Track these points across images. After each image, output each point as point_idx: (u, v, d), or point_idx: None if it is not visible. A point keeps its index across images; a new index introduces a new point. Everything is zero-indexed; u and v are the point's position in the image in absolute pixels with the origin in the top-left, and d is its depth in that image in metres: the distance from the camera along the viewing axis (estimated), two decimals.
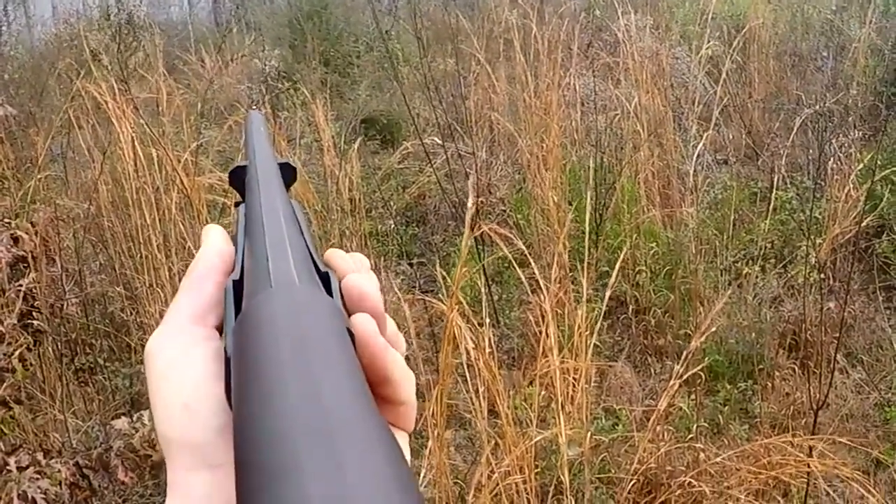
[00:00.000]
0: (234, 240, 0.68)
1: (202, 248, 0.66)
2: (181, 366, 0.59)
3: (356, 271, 0.61)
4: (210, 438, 0.55)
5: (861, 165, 5.88)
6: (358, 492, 0.38)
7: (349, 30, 10.31)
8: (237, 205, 0.73)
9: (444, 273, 4.38)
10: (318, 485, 0.38)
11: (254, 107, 6.64)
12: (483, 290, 4.34)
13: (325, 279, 0.60)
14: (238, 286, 0.60)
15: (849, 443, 4.33)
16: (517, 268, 4.67)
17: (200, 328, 0.61)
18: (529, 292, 4.70)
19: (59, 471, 3.51)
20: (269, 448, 0.41)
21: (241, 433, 0.45)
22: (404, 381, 0.57)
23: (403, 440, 0.59)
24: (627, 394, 4.89)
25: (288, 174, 0.76)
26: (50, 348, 4.77)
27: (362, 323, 0.54)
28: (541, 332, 3.88)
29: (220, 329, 0.62)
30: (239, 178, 0.75)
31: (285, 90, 7.65)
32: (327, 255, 0.64)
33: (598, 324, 4.25)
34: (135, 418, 4.12)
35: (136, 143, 5.16)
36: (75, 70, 6.77)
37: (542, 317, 3.87)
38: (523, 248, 4.48)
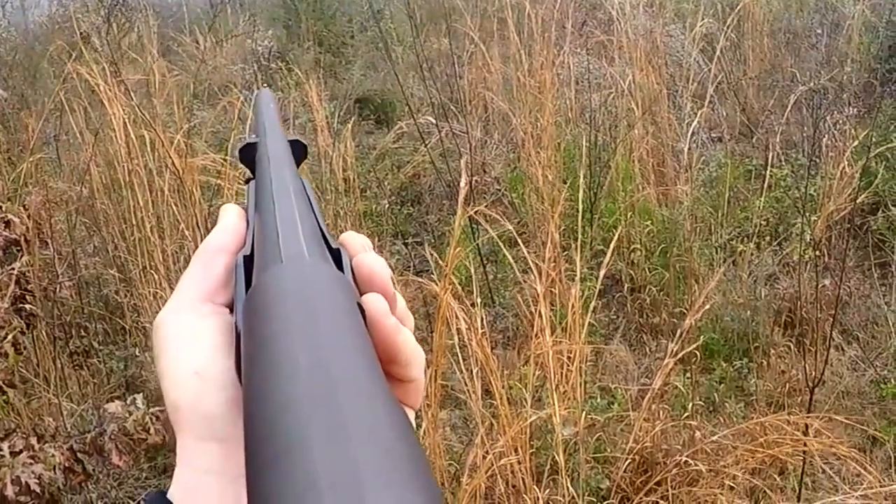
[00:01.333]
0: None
1: (216, 226, 0.67)
2: (192, 336, 0.59)
3: (368, 252, 0.61)
4: (220, 410, 0.56)
5: (856, 142, 5.87)
6: (366, 465, 0.37)
7: (343, 10, 10.29)
8: (248, 181, 0.74)
9: (437, 254, 4.37)
10: (326, 457, 0.38)
11: (247, 87, 6.62)
12: (474, 270, 4.33)
13: (336, 256, 0.60)
14: (249, 262, 0.61)
15: (845, 420, 4.33)
16: (509, 248, 4.67)
17: (210, 305, 0.62)
18: (522, 272, 4.69)
19: (54, 455, 3.51)
20: (278, 421, 0.41)
21: (250, 406, 0.45)
22: (414, 360, 0.58)
23: (410, 416, 0.59)
24: (623, 372, 4.89)
25: (298, 151, 0.76)
26: (44, 332, 4.77)
27: (373, 302, 0.54)
28: (532, 313, 3.88)
29: (229, 306, 0.62)
30: (249, 155, 0.76)
31: (277, 71, 7.63)
32: (341, 237, 0.63)
33: (593, 303, 4.25)
34: (129, 401, 4.11)
35: (128, 126, 5.14)
36: (67, 52, 6.75)
37: (535, 297, 3.86)
38: (511, 228, 4.48)
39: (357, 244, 0.62)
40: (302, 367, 0.43)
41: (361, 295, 0.55)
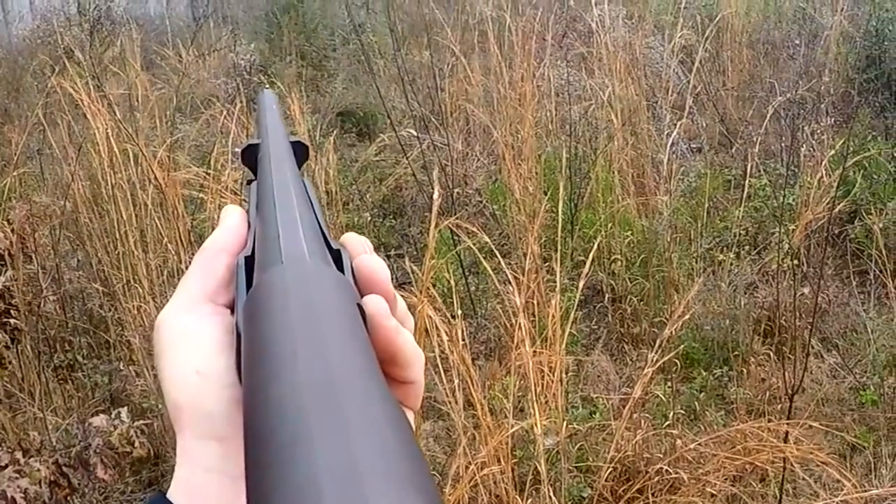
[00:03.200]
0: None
1: (217, 228, 0.67)
2: (193, 335, 0.60)
3: (369, 253, 0.62)
4: (221, 409, 0.56)
5: (833, 152, 5.91)
6: (365, 462, 0.38)
7: (325, 23, 10.31)
8: (249, 183, 0.74)
9: (415, 267, 4.39)
10: (326, 454, 0.38)
11: (230, 101, 6.63)
12: (454, 281, 4.34)
13: (336, 257, 0.60)
14: (250, 262, 0.61)
15: (824, 427, 4.36)
16: (488, 259, 4.68)
17: (211, 305, 0.62)
18: (502, 283, 4.71)
19: (39, 469, 3.52)
20: (278, 420, 0.41)
21: (250, 405, 0.46)
22: (414, 361, 0.58)
23: (410, 417, 0.59)
24: (604, 382, 4.91)
25: (300, 153, 0.77)
26: (28, 346, 4.76)
27: (374, 303, 0.54)
28: (513, 324, 3.90)
29: (230, 307, 0.63)
30: (251, 156, 0.76)
31: (259, 84, 7.64)
32: (342, 238, 0.64)
33: (573, 313, 4.27)
34: (113, 415, 4.12)
35: (111, 139, 5.15)
36: (51, 66, 6.76)
37: (516, 308, 3.88)
38: (488, 240, 4.49)
39: (358, 245, 0.63)
40: (302, 367, 0.44)
41: (362, 296, 0.55)
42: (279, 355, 0.46)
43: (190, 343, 0.60)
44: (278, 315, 0.49)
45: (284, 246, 0.56)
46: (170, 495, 0.56)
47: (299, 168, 0.75)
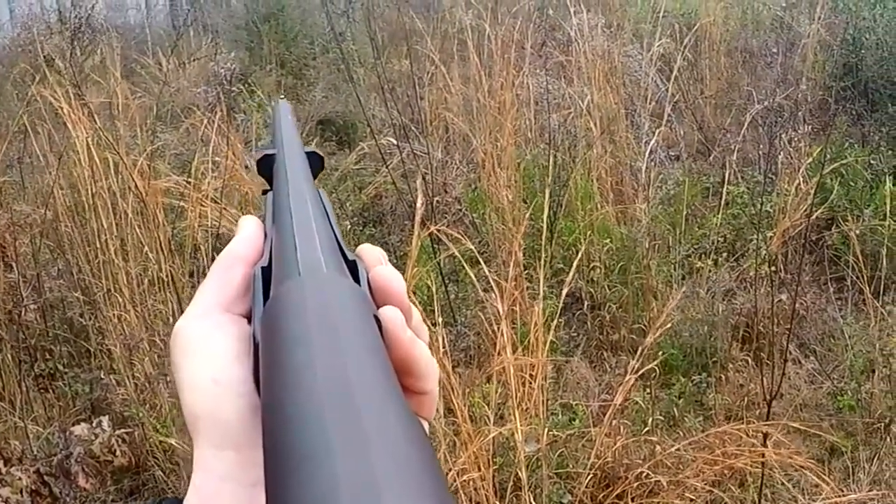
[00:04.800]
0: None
1: (235, 237, 0.68)
2: (210, 344, 0.60)
3: (384, 264, 0.62)
4: (237, 417, 0.56)
5: (810, 159, 5.95)
6: (384, 474, 0.38)
7: (305, 32, 10.30)
8: (265, 193, 0.75)
9: None
10: (345, 467, 0.38)
11: (210, 110, 6.63)
12: (435, 289, 4.35)
13: (352, 267, 0.60)
14: (266, 273, 0.61)
15: (803, 428, 4.39)
16: (471, 266, 4.69)
17: (227, 314, 0.62)
18: (484, 291, 4.73)
19: (20, 478, 3.53)
20: (297, 431, 0.42)
21: (270, 417, 0.46)
22: (429, 372, 0.59)
23: (425, 427, 0.58)
24: (584, 389, 4.92)
25: (315, 163, 0.77)
26: (9, 355, 4.77)
27: (390, 315, 0.54)
28: (495, 331, 3.91)
29: (247, 316, 0.62)
30: (267, 166, 0.77)
31: (240, 93, 7.64)
32: (358, 249, 0.64)
33: (555, 321, 4.29)
34: (94, 424, 4.13)
35: (91, 148, 5.15)
36: (31, 75, 6.75)
37: (497, 316, 3.90)
38: (472, 247, 4.51)
39: (373, 256, 0.63)
40: (320, 378, 0.44)
41: (378, 307, 0.55)
42: (297, 367, 0.46)
43: (207, 352, 0.60)
44: (296, 327, 0.50)
45: (301, 257, 0.57)
46: (186, 502, 0.56)
47: (314, 178, 0.75)
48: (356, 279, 0.59)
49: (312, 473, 0.39)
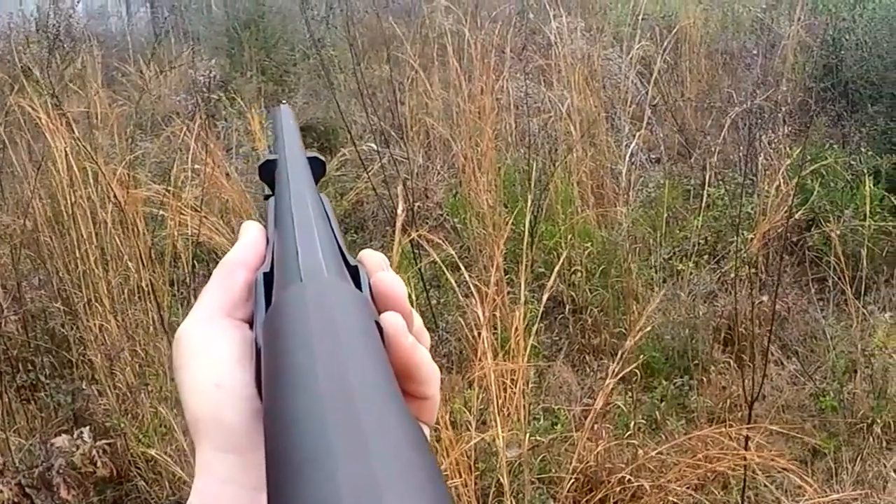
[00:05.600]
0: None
1: (237, 242, 0.68)
2: (213, 348, 0.61)
3: (386, 270, 0.62)
4: (239, 421, 0.57)
5: (790, 160, 5.96)
6: (385, 478, 0.39)
7: (285, 38, 10.29)
8: (267, 198, 0.75)
9: None
10: (346, 470, 0.39)
11: (190, 118, 6.62)
12: (416, 295, 4.35)
13: (354, 273, 0.61)
14: (268, 279, 0.62)
15: (785, 432, 4.40)
16: (452, 272, 4.69)
17: (230, 319, 0.63)
18: (465, 296, 4.72)
19: (2, 490, 3.52)
20: (299, 435, 0.42)
21: (271, 421, 0.47)
22: (430, 378, 0.59)
23: (426, 433, 0.60)
24: (566, 393, 4.92)
25: (317, 168, 0.77)
26: None
27: (391, 320, 0.55)
28: (476, 337, 3.91)
29: (249, 322, 0.63)
30: (269, 172, 0.77)
31: (220, 100, 7.63)
32: (359, 255, 0.64)
33: (536, 325, 4.29)
34: (75, 435, 4.12)
35: (70, 158, 5.13)
36: (9, 85, 6.73)
37: (478, 321, 3.90)
38: (453, 252, 4.51)
39: (375, 262, 0.63)
40: (321, 382, 0.45)
41: (379, 313, 0.56)
42: (299, 372, 0.47)
43: (209, 356, 0.60)
44: (298, 332, 0.50)
45: (303, 263, 0.57)
46: None
47: (316, 183, 0.75)
48: (358, 285, 0.59)
49: (314, 477, 0.39)
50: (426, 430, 0.61)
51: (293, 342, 0.49)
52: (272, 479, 0.43)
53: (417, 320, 0.62)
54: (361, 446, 0.40)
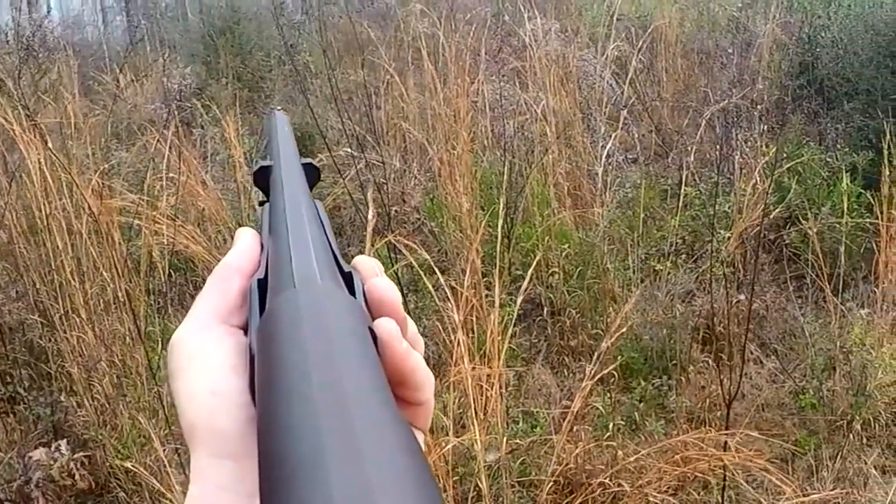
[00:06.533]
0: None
1: (231, 249, 0.68)
2: (208, 355, 0.60)
3: (380, 276, 0.62)
4: (235, 428, 0.56)
5: (766, 158, 5.97)
6: (378, 484, 0.39)
7: (261, 44, 10.28)
8: (261, 204, 0.75)
9: None
10: (339, 476, 0.39)
11: (165, 126, 6.60)
12: None
13: (348, 279, 0.61)
14: (263, 285, 0.62)
15: (762, 435, 4.40)
16: (428, 276, 4.68)
17: (225, 326, 0.63)
18: (442, 300, 4.71)
19: None
20: (292, 442, 0.42)
21: (265, 427, 0.46)
22: (425, 383, 0.59)
23: (420, 438, 0.60)
24: (545, 395, 4.92)
25: (312, 174, 0.78)
26: None
27: (385, 326, 0.55)
28: (453, 341, 3.90)
29: (244, 328, 0.63)
30: (264, 178, 0.77)
31: (194, 108, 7.61)
32: (353, 261, 0.64)
33: (512, 328, 4.28)
34: (53, 448, 4.10)
35: (44, 169, 5.11)
36: None
37: (454, 325, 3.89)
38: (427, 257, 4.50)
39: (369, 268, 0.63)
40: (315, 389, 0.45)
41: (373, 319, 0.56)
42: (292, 378, 0.46)
43: (204, 363, 0.60)
44: (291, 338, 0.50)
45: (296, 269, 0.57)
46: None
47: (311, 189, 0.76)
48: (352, 291, 0.59)
49: (307, 483, 0.39)
50: (420, 436, 0.61)
51: (287, 348, 0.49)
52: (265, 484, 0.43)
53: (412, 326, 0.62)
54: (355, 452, 0.40)
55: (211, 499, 0.56)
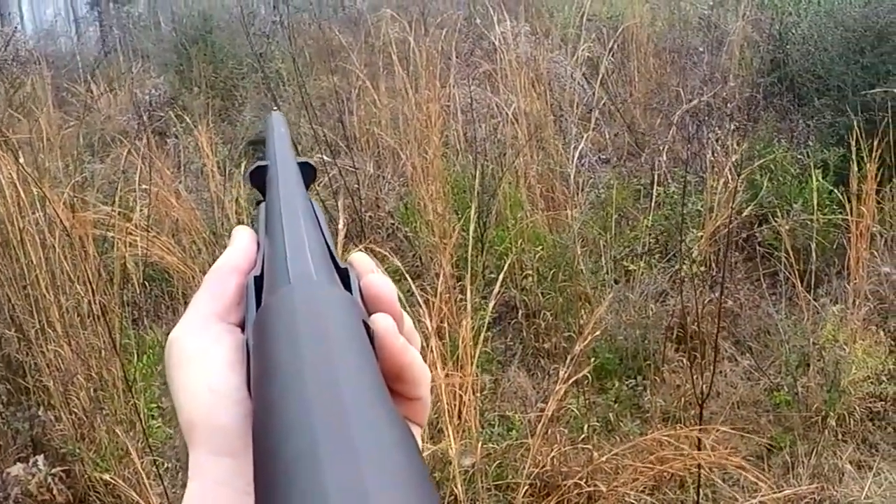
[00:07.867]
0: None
1: (228, 247, 0.68)
2: (205, 353, 0.61)
3: (375, 272, 0.63)
4: (233, 424, 0.57)
5: (736, 156, 5.99)
6: (373, 480, 0.39)
7: (233, 52, 10.26)
8: (258, 203, 0.75)
9: None
10: (334, 472, 0.39)
11: (138, 137, 6.59)
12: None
13: (344, 276, 0.61)
14: (259, 282, 0.63)
15: (736, 432, 4.42)
16: (401, 283, 4.68)
17: (222, 324, 0.63)
18: (412, 306, 4.72)
19: None
20: (287, 437, 0.42)
21: (260, 422, 0.47)
22: (421, 379, 0.59)
23: (416, 434, 0.59)
24: (521, 398, 4.92)
25: (308, 173, 0.78)
26: None
27: (381, 322, 0.55)
28: (425, 347, 3.91)
29: (241, 325, 0.63)
30: (260, 177, 0.77)
31: (167, 118, 7.60)
32: (349, 258, 0.65)
33: (486, 332, 4.29)
34: (30, 463, 4.10)
35: (17, 184, 5.10)
36: None
37: (427, 332, 3.90)
38: (399, 264, 4.51)
39: (365, 265, 0.64)
40: (310, 384, 0.45)
41: (369, 315, 0.56)
42: (288, 374, 0.47)
43: (202, 361, 0.60)
44: (287, 334, 0.51)
45: (292, 266, 0.58)
46: None
47: (307, 188, 0.76)
48: (348, 287, 0.60)
49: (301, 478, 0.39)
50: (417, 432, 0.61)
51: (282, 344, 0.50)
52: (260, 480, 0.43)
53: (408, 322, 0.62)
54: (349, 448, 0.40)
55: (210, 494, 0.56)
